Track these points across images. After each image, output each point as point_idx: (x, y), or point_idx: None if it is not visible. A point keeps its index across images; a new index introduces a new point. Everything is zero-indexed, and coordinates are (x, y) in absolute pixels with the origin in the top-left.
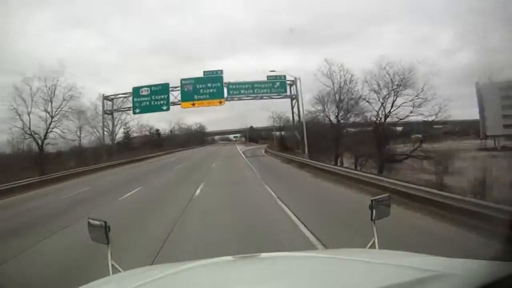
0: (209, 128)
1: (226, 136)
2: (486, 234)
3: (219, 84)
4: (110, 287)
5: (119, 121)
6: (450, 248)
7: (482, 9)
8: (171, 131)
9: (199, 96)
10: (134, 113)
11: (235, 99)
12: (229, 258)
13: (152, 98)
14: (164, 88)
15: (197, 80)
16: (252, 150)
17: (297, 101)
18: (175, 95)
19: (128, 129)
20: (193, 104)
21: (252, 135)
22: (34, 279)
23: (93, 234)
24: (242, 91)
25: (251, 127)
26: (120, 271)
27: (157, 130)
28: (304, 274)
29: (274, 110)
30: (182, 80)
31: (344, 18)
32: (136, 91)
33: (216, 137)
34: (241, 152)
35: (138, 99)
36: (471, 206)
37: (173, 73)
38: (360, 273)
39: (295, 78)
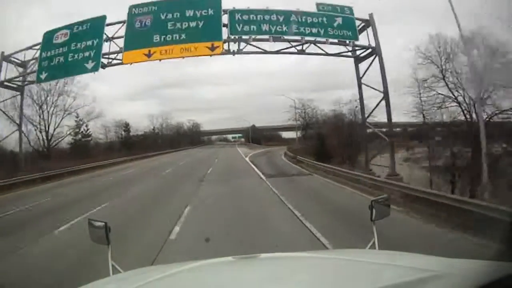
0: (205, 127)
1: (224, 136)
2: None
3: (211, 12)
4: (110, 287)
5: (55, 106)
6: None
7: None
8: (153, 128)
9: (167, 36)
10: (39, 80)
11: (246, 44)
12: (230, 258)
13: (71, 48)
14: (94, 28)
15: (163, 5)
16: (264, 155)
17: (379, 56)
18: (120, 45)
19: (80, 122)
20: (149, 55)
21: (254, 136)
22: None
23: (94, 235)
24: (264, 28)
25: (254, 125)
26: (120, 272)
27: (126, 125)
28: (304, 275)
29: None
30: (132, 8)
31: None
32: (47, 38)
33: (213, 137)
34: (247, 159)
35: (49, 54)
36: None
37: (170, 71)
38: (360, 274)
39: (371, 16)
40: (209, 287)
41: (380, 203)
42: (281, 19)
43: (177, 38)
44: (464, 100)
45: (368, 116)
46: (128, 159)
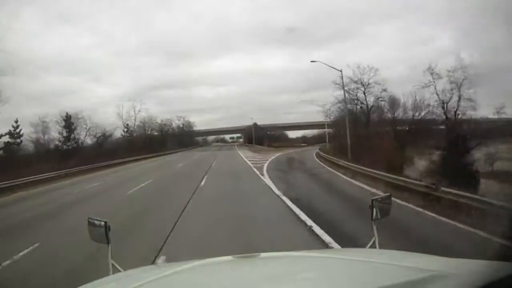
0: (202, 128)
1: (221, 136)
2: None
3: None
4: (110, 287)
5: None
6: None
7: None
8: (127, 127)
9: None
10: None
11: None
12: (229, 258)
13: None
14: None
15: None
16: (293, 168)
17: None
18: None
19: None
20: None
21: (256, 135)
22: None
23: (93, 234)
24: None
25: (255, 124)
26: (120, 271)
27: (67, 119)
28: (304, 274)
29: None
30: None
31: (342, 16)
32: None
33: (210, 138)
34: (265, 179)
35: None
36: None
37: (166, 73)
38: (360, 273)
39: None
40: (209, 286)
41: (381, 202)
42: None
43: None
44: None
45: None
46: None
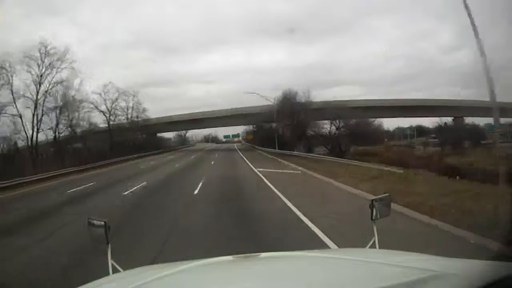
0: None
1: (214, 133)
2: None
3: None
4: (110, 286)
5: None
6: None
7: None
8: None
9: None
10: None
11: None
12: (229, 258)
13: None
14: None
15: None
16: None
17: None
18: None
19: None
20: None
21: (277, 127)
22: None
23: (93, 234)
24: None
25: (289, 93)
26: (120, 271)
27: None
28: (304, 274)
29: None
30: None
31: (341, 9)
32: None
33: (197, 135)
34: None
35: None
36: None
37: (155, 68)
38: (360, 273)
39: None
40: (209, 286)
41: (381, 202)
42: None
43: None
44: None
45: None
46: None
